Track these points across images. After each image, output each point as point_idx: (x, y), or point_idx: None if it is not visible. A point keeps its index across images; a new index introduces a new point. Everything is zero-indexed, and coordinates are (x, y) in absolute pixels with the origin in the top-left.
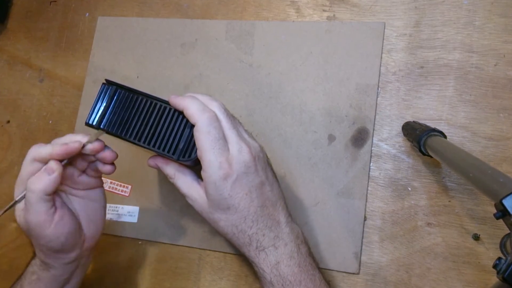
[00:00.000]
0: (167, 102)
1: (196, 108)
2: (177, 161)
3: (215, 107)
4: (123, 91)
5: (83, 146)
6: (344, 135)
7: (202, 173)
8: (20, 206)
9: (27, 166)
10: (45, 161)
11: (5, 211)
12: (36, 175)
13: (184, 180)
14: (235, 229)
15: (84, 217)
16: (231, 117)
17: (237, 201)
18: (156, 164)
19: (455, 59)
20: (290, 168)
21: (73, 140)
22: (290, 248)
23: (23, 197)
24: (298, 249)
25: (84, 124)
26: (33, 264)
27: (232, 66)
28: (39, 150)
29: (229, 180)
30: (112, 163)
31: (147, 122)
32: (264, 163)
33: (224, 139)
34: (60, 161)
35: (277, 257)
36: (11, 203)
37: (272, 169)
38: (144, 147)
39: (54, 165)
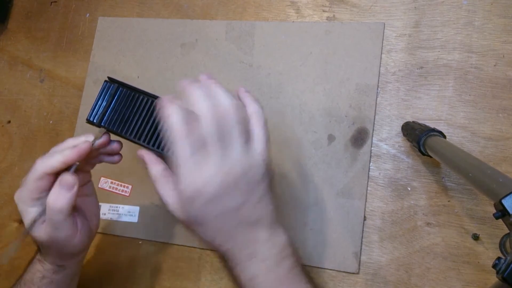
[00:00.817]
0: None
1: (173, 115)
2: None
3: (201, 110)
4: (124, 89)
5: (92, 144)
6: (344, 135)
7: (177, 186)
8: (37, 223)
9: (36, 181)
10: (57, 172)
11: (27, 233)
12: (55, 192)
13: (165, 187)
14: (210, 243)
15: (88, 212)
16: (219, 126)
17: (207, 221)
18: (144, 158)
19: (455, 59)
20: (290, 168)
21: (81, 141)
22: (269, 263)
23: (41, 214)
24: (280, 263)
25: (84, 123)
26: (40, 270)
27: (232, 67)
28: (48, 163)
29: (199, 199)
30: (119, 152)
31: (148, 121)
32: (251, 182)
33: (202, 156)
34: (68, 167)
35: (254, 271)
36: (30, 223)
37: (266, 184)
38: (144, 146)
39: (71, 179)
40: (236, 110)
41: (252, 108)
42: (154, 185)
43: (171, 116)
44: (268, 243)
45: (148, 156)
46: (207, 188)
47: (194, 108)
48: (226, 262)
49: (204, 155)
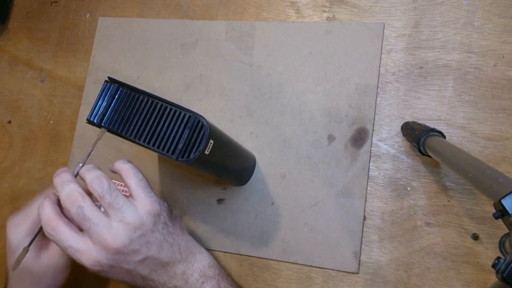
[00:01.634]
0: (168, 102)
1: (41, 212)
2: (176, 161)
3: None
4: (125, 90)
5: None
6: (344, 135)
7: None
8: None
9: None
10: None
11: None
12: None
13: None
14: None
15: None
16: (73, 207)
17: (116, 277)
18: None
19: (454, 59)
20: (290, 168)
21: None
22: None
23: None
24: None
25: (84, 123)
26: None
27: (232, 67)
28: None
29: (98, 269)
30: None
31: (148, 121)
32: (142, 243)
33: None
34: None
35: None
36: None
37: (162, 227)
38: (144, 146)
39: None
40: (100, 181)
41: (116, 166)
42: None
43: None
44: (184, 274)
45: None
46: (102, 262)
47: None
48: None
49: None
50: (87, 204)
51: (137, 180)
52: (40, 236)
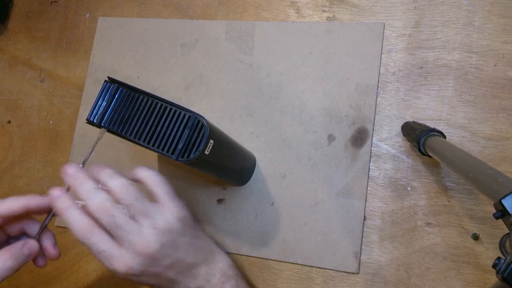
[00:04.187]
0: (168, 102)
1: (71, 220)
2: (176, 161)
3: (116, 189)
4: (124, 90)
5: (92, 149)
6: (344, 135)
7: None
8: None
9: None
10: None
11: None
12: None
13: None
14: None
15: None
16: (111, 217)
17: (144, 282)
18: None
19: (455, 59)
20: (290, 168)
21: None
22: None
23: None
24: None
25: (84, 123)
26: None
27: (232, 67)
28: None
29: (129, 274)
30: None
31: (148, 121)
32: (172, 247)
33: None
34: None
35: None
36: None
37: (189, 232)
38: (144, 146)
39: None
40: (127, 189)
41: (140, 174)
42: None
43: (69, 221)
44: (207, 275)
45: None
46: (128, 272)
47: (87, 201)
48: None
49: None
50: (117, 212)
51: (164, 188)
52: None
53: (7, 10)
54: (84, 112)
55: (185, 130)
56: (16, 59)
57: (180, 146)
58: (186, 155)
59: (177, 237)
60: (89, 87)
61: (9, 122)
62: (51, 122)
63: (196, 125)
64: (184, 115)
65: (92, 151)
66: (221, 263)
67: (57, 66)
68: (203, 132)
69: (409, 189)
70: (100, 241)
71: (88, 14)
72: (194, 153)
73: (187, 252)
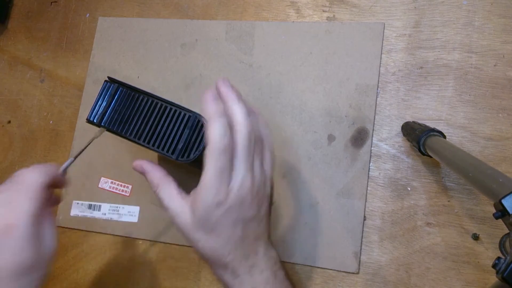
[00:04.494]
0: (168, 102)
1: (217, 129)
2: (176, 161)
3: (240, 125)
4: (124, 89)
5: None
6: (344, 135)
7: (197, 191)
8: None
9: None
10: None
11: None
12: None
13: (168, 192)
14: (214, 252)
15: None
16: (251, 142)
17: (221, 228)
18: (142, 168)
19: (455, 59)
20: (290, 168)
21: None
22: (266, 275)
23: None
24: (275, 275)
25: (84, 123)
26: None
27: (232, 67)
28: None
29: (221, 208)
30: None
31: (148, 121)
32: (262, 197)
33: (231, 168)
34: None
35: (252, 283)
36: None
37: (269, 203)
38: (144, 146)
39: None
40: (252, 130)
41: (265, 131)
42: (156, 191)
43: (216, 129)
44: (265, 256)
45: (144, 165)
46: (230, 197)
47: (232, 123)
48: (224, 273)
49: (231, 167)
50: (251, 144)
51: (273, 155)
52: (38, 224)
53: (7, 10)
54: (84, 112)
55: (185, 130)
56: (16, 59)
57: (180, 146)
58: (186, 155)
59: (263, 194)
60: (89, 87)
61: (9, 122)
62: (51, 122)
63: (196, 125)
64: (184, 115)
65: (87, 146)
66: (275, 251)
67: (57, 66)
68: (203, 132)
69: (409, 189)
70: (224, 161)
71: (88, 14)
72: (194, 153)
73: (262, 218)
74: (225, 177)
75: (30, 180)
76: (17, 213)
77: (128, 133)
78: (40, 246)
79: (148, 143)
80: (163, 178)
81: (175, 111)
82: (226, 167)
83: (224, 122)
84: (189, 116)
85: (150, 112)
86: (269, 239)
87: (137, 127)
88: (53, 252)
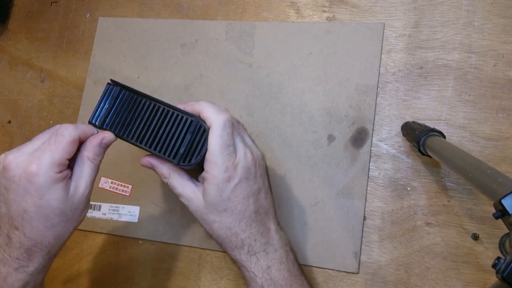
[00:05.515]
0: (170, 106)
1: (212, 111)
2: (177, 165)
3: (221, 113)
4: (127, 92)
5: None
6: (344, 135)
7: (205, 174)
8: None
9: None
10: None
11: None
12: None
13: (179, 180)
14: (229, 231)
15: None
16: (238, 124)
17: (234, 204)
18: (150, 163)
19: (454, 59)
20: (290, 168)
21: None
22: (280, 254)
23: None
24: (287, 255)
25: (85, 123)
26: (21, 278)
27: (232, 67)
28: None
29: (231, 182)
30: None
31: (150, 125)
32: (263, 170)
33: (233, 144)
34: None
35: (268, 261)
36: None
37: (268, 178)
38: (145, 150)
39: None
40: (231, 116)
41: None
42: (167, 181)
43: (212, 107)
44: (277, 234)
45: (152, 159)
46: (238, 171)
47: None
48: (240, 252)
49: (233, 147)
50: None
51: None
52: (63, 167)
53: (7, 10)
54: (84, 112)
55: (187, 135)
56: (17, 59)
57: (181, 151)
58: (187, 159)
59: (263, 166)
60: (89, 87)
61: (9, 122)
62: (51, 122)
63: (198, 130)
64: (186, 119)
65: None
66: (284, 233)
67: (57, 66)
68: (205, 137)
69: (409, 189)
70: (226, 136)
71: (88, 14)
72: (196, 158)
73: (268, 190)
74: (229, 154)
75: (63, 132)
76: (40, 161)
77: (130, 136)
78: (66, 193)
79: (150, 146)
80: (173, 168)
81: (177, 115)
82: (229, 143)
83: (213, 105)
84: (191, 121)
85: (152, 115)
86: (276, 217)
87: (139, 131)
88: (84, 200)
